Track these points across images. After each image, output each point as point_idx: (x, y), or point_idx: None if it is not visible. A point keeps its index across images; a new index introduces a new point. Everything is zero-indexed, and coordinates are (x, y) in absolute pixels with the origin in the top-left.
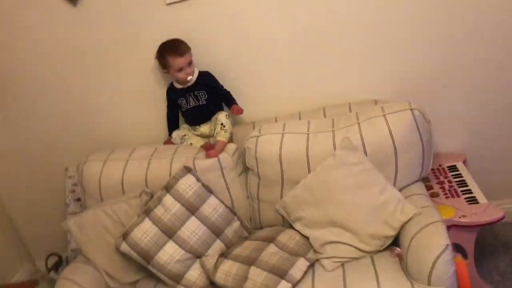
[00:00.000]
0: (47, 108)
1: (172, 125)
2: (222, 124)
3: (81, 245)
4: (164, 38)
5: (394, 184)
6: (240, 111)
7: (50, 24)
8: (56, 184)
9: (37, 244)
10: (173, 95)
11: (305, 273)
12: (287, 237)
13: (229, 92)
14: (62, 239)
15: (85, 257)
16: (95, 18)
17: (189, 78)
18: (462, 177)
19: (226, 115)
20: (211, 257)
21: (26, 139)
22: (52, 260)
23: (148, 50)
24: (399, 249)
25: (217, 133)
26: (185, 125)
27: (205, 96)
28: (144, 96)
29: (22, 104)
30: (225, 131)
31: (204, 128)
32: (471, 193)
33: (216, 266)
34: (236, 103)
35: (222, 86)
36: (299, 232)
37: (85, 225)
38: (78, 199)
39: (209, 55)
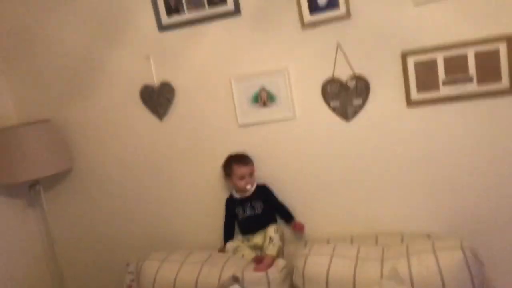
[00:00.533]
0: (120, 205)
1: (228, 233)
2: (270, 238)
3: None
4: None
5: None
6: (302, 227)
7: (137, 134)
8: (116, 277)
9: None
10: (231, 205)
11: None
12: None
13: (285, 206)
14: None
15: None
16: (176, 131)
17: (248, 187)
18: None
19: (274, 229)
20: None
21: (98, 233)
22: None
23: (216, 163)
24: None
25: (265, 247)
26: (239, 237)
27: (261, 206)
28: (205, 203)
29: (99, 199)
30: (273, 245)
31: (258, 239)
32: None
33: None
34: (294, 218)
35: (278, 201)
36: None
37: None
38: None
39: (269, 170)
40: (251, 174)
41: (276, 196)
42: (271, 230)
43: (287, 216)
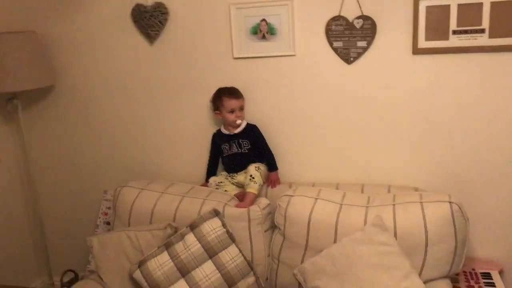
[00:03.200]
0: (103, 130)
1: (211, 170)
2: (251, 175)
3: (98, 264)
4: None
5: (420, 274)
6: (276, 184)
7: (126, 55)
8: (92, 205)
9: (58, 259)
10: (218, 140)
11: None
12: None
13: (272, 154)
14: (83, 258)
15: (99, 277)
16: (166, 58)
17: (238, 121)
18: (494, 286)
19: (255, 167)
20: None
21: (77, 157)
22: (68, 277)
23: (207, 95)
24: None
25: (247, 185)
26: (223, 173)
27: (248, 145)
28: (192, 137)
29: (81, 121)
30: (254, 183)
31: (241, 177)
32: None
33: None
34: (276, 169)
35: (266, 145)
36: None
37: (107, 244)
38: (108, 223)
39: (262, 109)
40: (241, 108)
41: (265, 140)
42: (252, 168)
43: (271, 164)
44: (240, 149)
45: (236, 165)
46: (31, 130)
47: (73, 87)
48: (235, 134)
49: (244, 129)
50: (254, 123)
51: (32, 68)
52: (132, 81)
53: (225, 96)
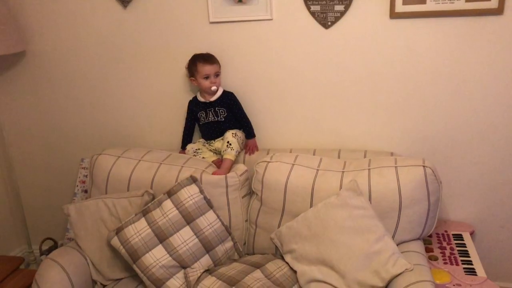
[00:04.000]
0: (78, 97)
1: (187, 138)
2: (228, 142)
3: (76, 232)
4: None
5: (393, 237)
6: (253, 151)
7: (98, 19)
8: (69, 173)
9: (37, 227)
10: (194, 108)
11: None
12: (275, 267)
13: (249, 121)
14: (62, 226)
15: (78, 244)
16: (141, 23)
17: (213, 88)
18: (465, 247)
19: (233, 133)
20: (196, 270)
21: (52, 125)
22: (47, 245)
23: (183, 62)
24: None
25: (224, 151)
26: (201, 140)
27: (224, 113)
28: (168, 105)
29: (55, 89)
30: (231, 149)
31: (218, 144)
32: (471, 264)
33: (199, 280)
34: (253, 136)
35: (243, 112)
36: (288, 264)
37: (84, 212)
38: (86, 191)
39: (238, 76)
40: (217, 74)
41: (242, 107)
42: (230, 135)
43: (248, 132)
44: (217, 117)
45: (213, 133)
46: (3, 98)
47: (44, 53)
48: (211, 102)
49: (221, 96)
50: (230, 91)
51: (0, 33)
52: (106, 47)
53: (199, 62)
